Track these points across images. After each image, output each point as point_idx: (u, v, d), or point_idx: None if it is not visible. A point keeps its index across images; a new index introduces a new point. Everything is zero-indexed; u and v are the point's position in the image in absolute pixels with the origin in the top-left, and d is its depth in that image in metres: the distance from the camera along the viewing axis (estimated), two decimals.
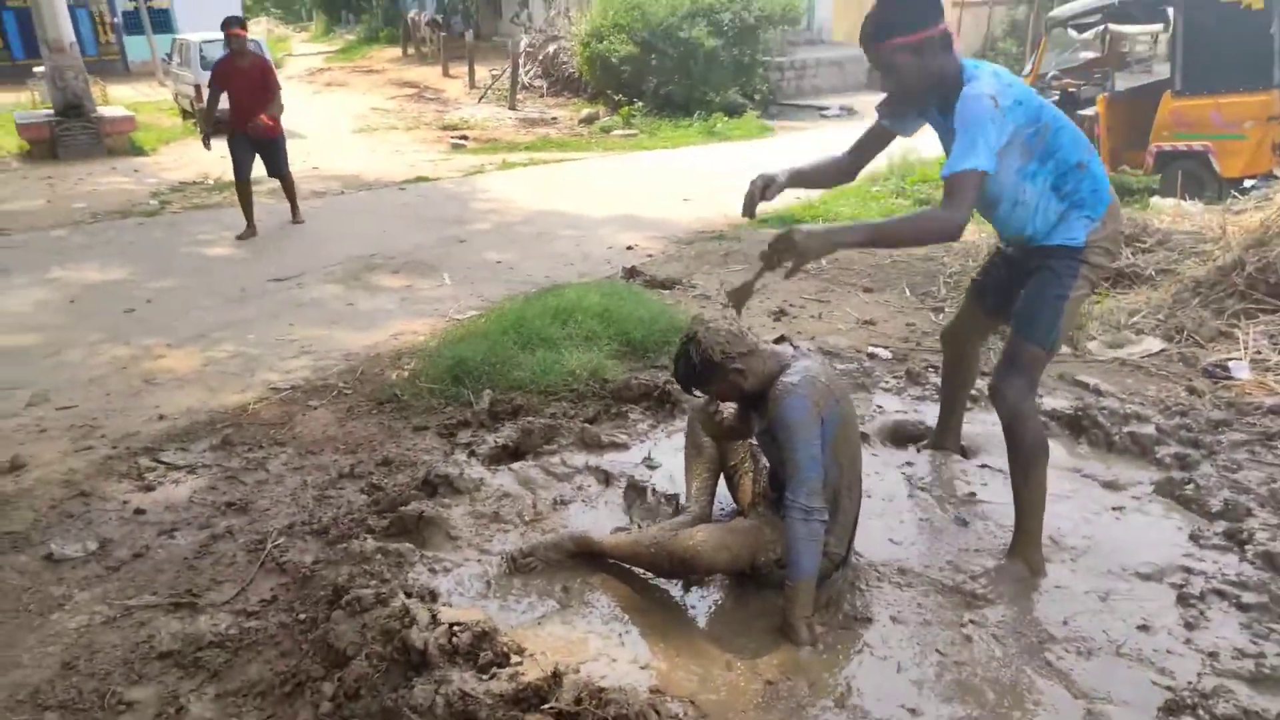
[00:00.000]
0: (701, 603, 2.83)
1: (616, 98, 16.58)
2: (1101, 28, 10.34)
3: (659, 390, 4.14)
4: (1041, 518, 2.97)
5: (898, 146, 11.35)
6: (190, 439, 4.06)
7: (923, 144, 11.73)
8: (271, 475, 3.71)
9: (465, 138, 14.22)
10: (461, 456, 3.57)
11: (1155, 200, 8.69)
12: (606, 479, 3.47)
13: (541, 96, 18.63)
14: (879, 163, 11.69)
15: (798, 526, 2.58)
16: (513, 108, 17.03)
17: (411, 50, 24.29)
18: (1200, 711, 2.33)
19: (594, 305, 5.29)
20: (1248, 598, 2.80)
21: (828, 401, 2.67)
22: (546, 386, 4.36)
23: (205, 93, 8.48)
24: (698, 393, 2.93)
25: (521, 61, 18.83)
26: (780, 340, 2.98)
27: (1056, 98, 10.88)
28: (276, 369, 4.89)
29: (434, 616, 2.44)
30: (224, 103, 7.95)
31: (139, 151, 12.70)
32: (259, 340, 5.36)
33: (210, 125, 8.23)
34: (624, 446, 3.74)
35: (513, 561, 2.89)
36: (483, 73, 19.46)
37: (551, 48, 19.39)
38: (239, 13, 25.76)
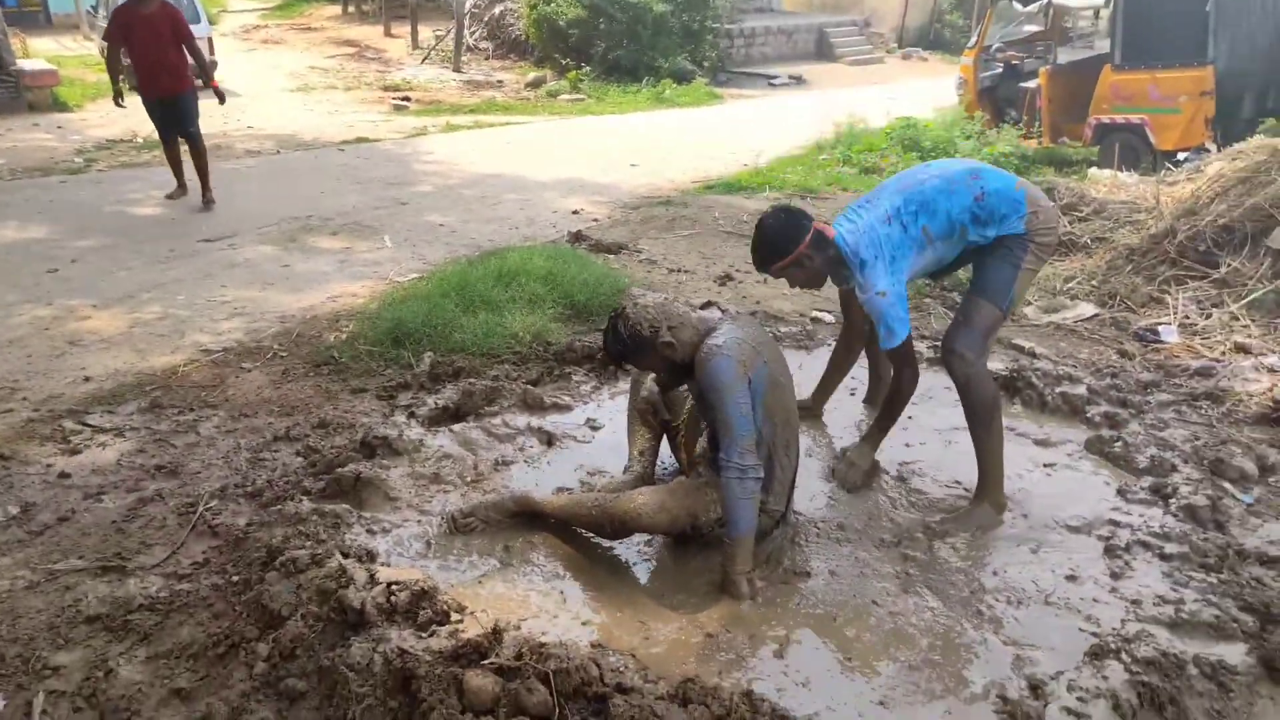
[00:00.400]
0: (643, 560, 2.84)
1: (564, 61, 16.31)
2: (1045, 1, 10.48)
3: (602, 351, 4.11)
4: (1001, 462, 3.11)
5: (845, 116, 11.32)
6: (117, 402, 3.92)
7: (870, 113, 11.74)
8: (203, 438, 3.60)
9: (407, 99, 13.87)
10: (401, 418, 3.51)
11: (1093, 171, 8.88)
12: (549, 440, 3.45)
13: (487, 59, 18.25)
14: (825, 132, 11.72)
15: (733, 485, 2.60)
16: (457, 69, 16.65)
17: (352, 8, 23.56)
18: (1123, 655, 2.42)
19: (538, 268, 5.23)
20: (1170, 548, 2.90)
21: (755, 361, 2.70)
22: (489, 349, 4.30)
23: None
24: (629, 366, 2.95)
25: (467, 22, 18.39)
26: (708, 305, 3.01)
27: (1000, 70, 11.04)
28: (208, 331, 4.74)
29: (372, 576, 2.40)
30: None
31: (63, 107, 12.12)
32: (189, 301, 5.18)
33: (116, 82, 7.19)
34: (567, 408, 3.71)
35: (453, 521, 2.85)
36: (426, 33, 18.94)
37: (498, 9, 18.97)
38: None
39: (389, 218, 7.23)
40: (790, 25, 20.43)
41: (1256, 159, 5.73)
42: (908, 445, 3.55)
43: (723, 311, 2.92)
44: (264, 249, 6.28)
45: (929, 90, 14.78)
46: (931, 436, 3.60)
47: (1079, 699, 2.29)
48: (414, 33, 18.91)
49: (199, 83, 7.36)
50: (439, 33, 18.64)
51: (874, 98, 14.08)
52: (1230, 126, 8.66)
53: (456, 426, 3.45)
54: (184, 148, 7.41)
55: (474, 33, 18.95)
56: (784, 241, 3.00)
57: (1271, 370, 4.23)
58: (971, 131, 10.26)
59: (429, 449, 3.26)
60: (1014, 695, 2.31)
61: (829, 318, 5.13)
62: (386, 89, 14.89)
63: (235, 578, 2.61)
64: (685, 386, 2.96)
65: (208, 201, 7.36)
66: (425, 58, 17.77)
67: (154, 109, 7.18)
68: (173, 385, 4.09)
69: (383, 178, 8.66)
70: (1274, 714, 2.35)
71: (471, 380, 3.82)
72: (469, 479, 3.17)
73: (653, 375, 3.04)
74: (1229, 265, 5.00)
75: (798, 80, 17.43)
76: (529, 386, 3.80)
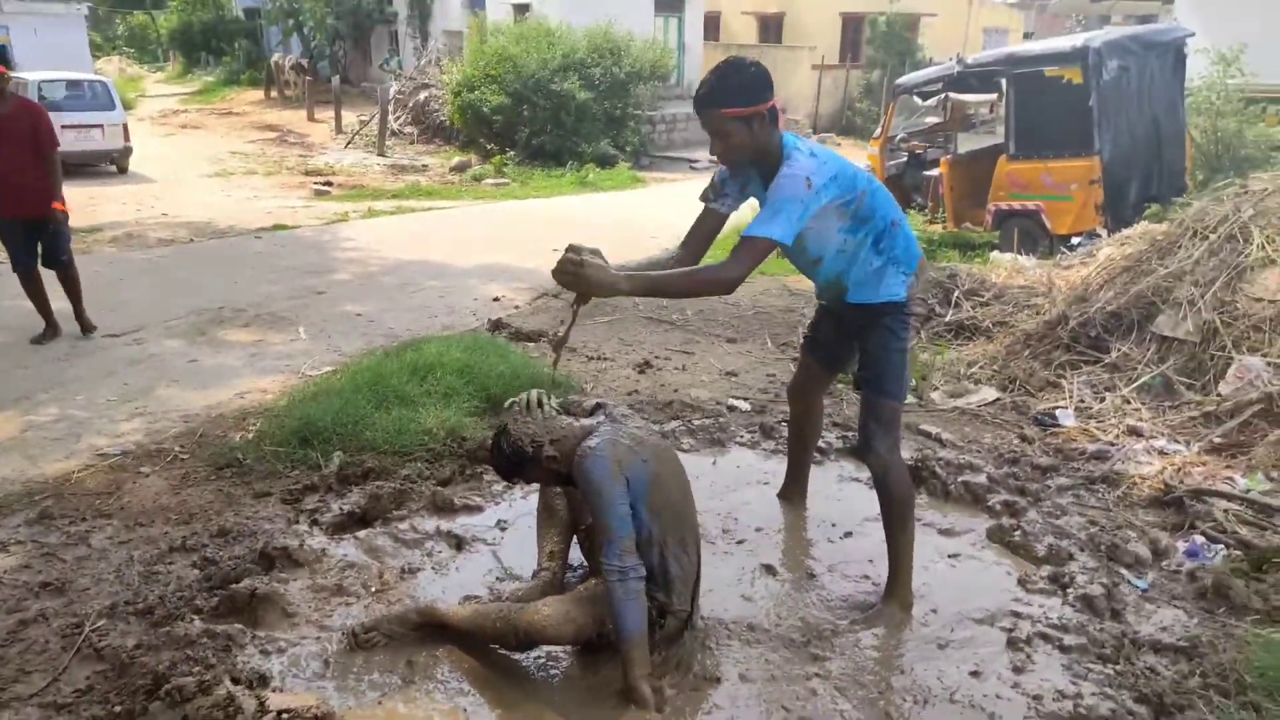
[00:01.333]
0: (550, 672, 2.78)
1: (489, 146, 16.58)
2: (942, 95, 11.13)
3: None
4: (911, 558, 3.16)
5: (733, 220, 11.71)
6: (3, 513, 3.71)
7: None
8: (94, 550, 3.43)
9: (329, 184, 13.86)
10: (303, 525, 3.41)
11: (994, 255, 9.32)
12: (459, 544, 3.39)
13: (412, 143, 18.43)
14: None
15: (615, 588, 2.57)
16: (381, 154, 16.76)
17: (275, 94, 23.64)
18: None
19: (455, 361, 5.20)
20: (1069, 640, 2.97)
21: (631, 460, 2.71)
22: (401, 447, 4.23)
23: None
24: (518, 480, 2.98)
25: (391, 108, 18.61)
26: (597, 409, 3.04)
27: (904, 159, 11.60)
28: (106, 433, 4.56)
29: (261, 704, 2.30)
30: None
31: None
32: (88, 401, 4.99)
33: None
34: (478, 509, 3.66)
35: (354, 637, 2.76)
36: (350, 118, 19.11)
37: (422, 95, 19.26)
38: (86, 52, 24.31)
39: (305, 308, 7.14)
40: None
41: (1139, 247, 6.10)
42: (814, 542, 3.59)
43: (608, 414, 2.94)
44: (171, 343, 6.11)
45: None
46: (838, 531, 3.65)
47: None
48: (338, 118, 19.04)
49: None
50: (363, 118, 18.80)
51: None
52: (1119, 211, 9.21)
53: (362, 533, 3.37)
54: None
55: (398, 118, 19.16)
56: (752, 90, 2.73)
57: (1161, 453, 4.43)
58: None
59: (332, 558, 3.17)
60: None
61: (744, 405, 5.21)
62: (308, 174, 14.87)
63: (118, 708, 2.46)
64: None
65: (88, 328, 6.25)
66: (349, 142, 17.86)
67: (12, 232, 5.94)
68: (65, 493, 3.91)
69: (300, 266, 8.58)
70: None
71: (379, 483, 3.74)
72: (374, 589, 3.08)
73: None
74: (1119, 350, 5.27)
75: (716, 163, 17.98)
76: (439, 488, 3.75)
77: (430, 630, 2.82)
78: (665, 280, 2.83)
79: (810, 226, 2.77)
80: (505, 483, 3.25)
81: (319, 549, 3.19)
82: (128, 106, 19.51)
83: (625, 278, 2.66)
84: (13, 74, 5.66)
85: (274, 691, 2.45)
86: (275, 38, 28.47)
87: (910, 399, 5.34)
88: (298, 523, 3.48)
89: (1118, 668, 2.85)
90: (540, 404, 2.92)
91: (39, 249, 6.02)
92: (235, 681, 2.42)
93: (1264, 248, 5.19)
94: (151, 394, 5.14)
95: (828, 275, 3.06)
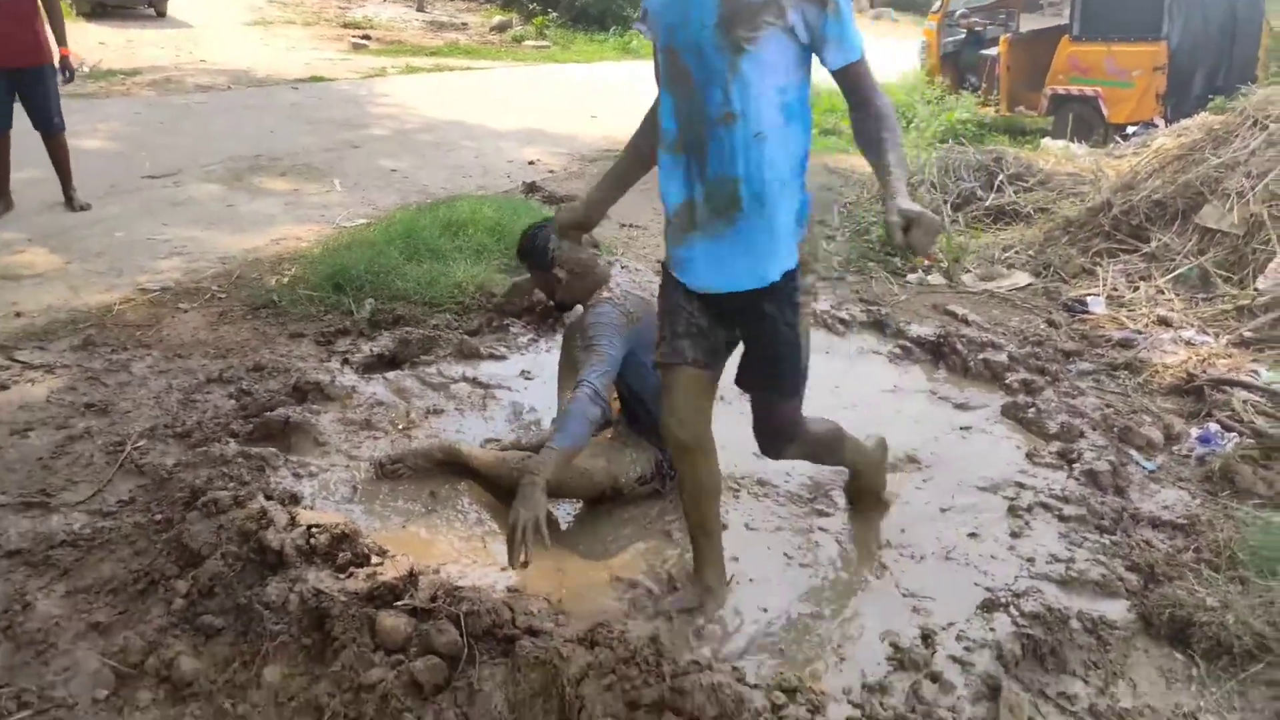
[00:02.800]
0: (565, 513, 2.92)
1: (531, 6, 16.03)
2: None
3: (542, 305, 4.15)
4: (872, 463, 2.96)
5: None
6: (49, 338, 3.88)
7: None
8: (135, 378, 3.59)
9: (367, 37, 13.57)
10: (335, 364, 3.53)
11: (1046, 141, 9.01)
12: (483, 389, 3.50)
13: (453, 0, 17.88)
14: None
15: (583, 401, 2.56)
16: (421, 9, 16.30)
17: None
18: (1011, 609, 2.56)
19: (487, 219, 5.22)
20: (1069, 510, 3.05)
21: (642, 312, 2.84)
22: (431, 298, 4.32)
23: None
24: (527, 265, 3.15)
25: None
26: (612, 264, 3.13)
27: (963, 36, 11.08)
28: (146, 269, 4.68)
29: (293, 518, 2.45)
30: None
31: None
32: (128, 239, 5.10)
33: None
34: (502, 358, 3.76)
35: (380, 467, 2.90)
36: None
37: None
38: None
39: (340, 161, 7.14)
40: None
41: (1194, 137, 5.87)
42: (828, 408, 3.65)
43: (624, 267, 3.10)
44: (209, 188, 6.18)
45: (895, 53, 14.74)
46: (849, 398, 3.72)
47: (965, 648, 2.43)
48: None
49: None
50: None
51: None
52: (1181, 102, 8.81)
53: (391, 374, 3.49)
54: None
55: None
56: None
57: (1189, 343, 4.39)
58: (931, 97, 10.32)
59: (361, 395, 3.30)
60: (905, 644, 2.44)
61: None
62: (346, 26, 14.55)
63: (158, 516, 2.64)
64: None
65: (79, 205, 5.55)
66: None
67: None
68: (107, 323, 4.06)
69: (336, 119, 8.52)
70: (1146, 665, 2.51)
71: (409, 329, 3.84)
72: (400, 426, 3.22)
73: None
74: (1159, 240, 5.15)
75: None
76: (466, 336, 3.84)
77: (452, 468, 2.96)
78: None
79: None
80: (519, 258, 3.29)
81: (349, 386, 3.32)
82: None
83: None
84: None
85: (305, 509, 2.61)
86: None
87: (939, 280, 5.31)
88: (329, 361, 3.61)
89: (1114, 538, 2.93)
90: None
91: (16, 108, 5.34)
92: (269, 498, 2.58)
93: None
94: (189, 235, 5.24)
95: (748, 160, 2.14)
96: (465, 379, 3.55)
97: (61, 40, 5.40)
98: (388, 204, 6.09)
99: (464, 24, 15.78)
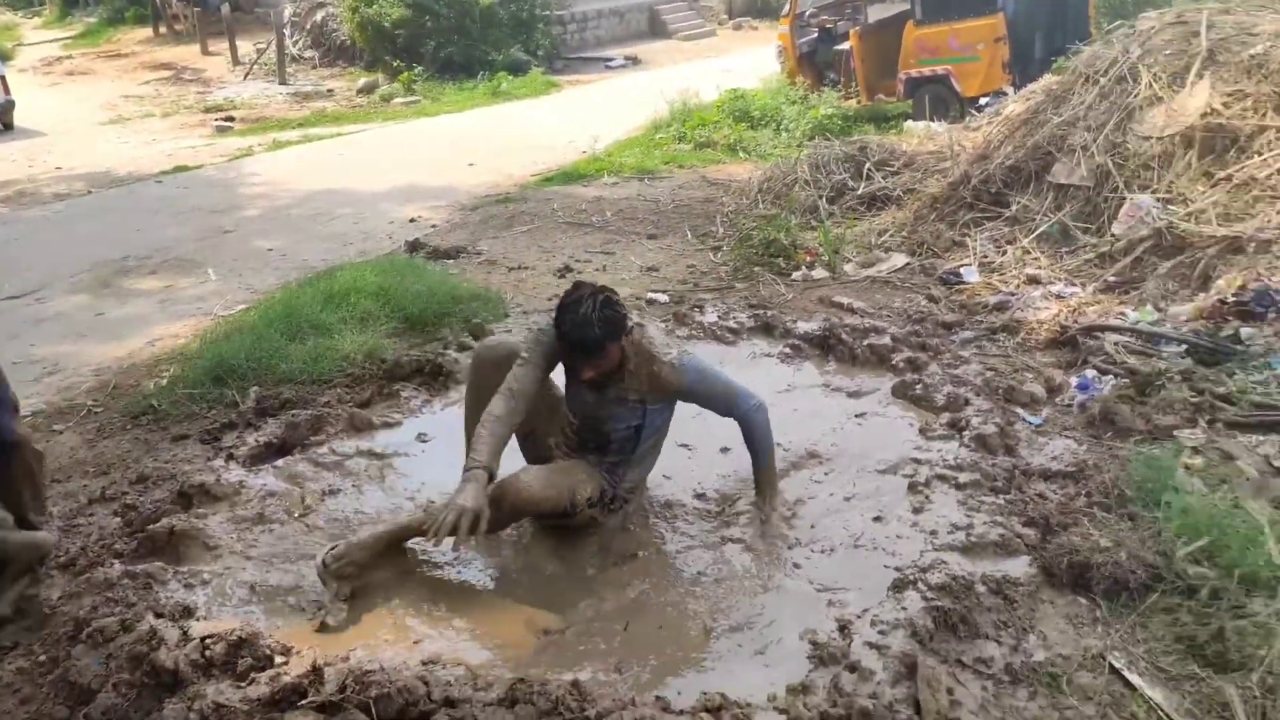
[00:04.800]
0: (479, 569, 2.88)
1: (395, 63, 15.90)
2: None
3: (430, 364, 4.10)
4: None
5: (678, 94, 11.36)
6: None
7: (704, 88, 11.80)
8: None
9: (231, 119, 13.28)
10: (220, 461, 3.42)
11: (908, 124, 9.35)
12: (379, 460, 3.44)
13: (314, 68, 17.63)
14: (660, 111, 11.78)
15: (763, 419, 3.00)
16: (283, 82, 16.04)
17: (164, 30, 22.27)
18: (919, 584, 2.62)
19: (369, 285, 5.14)
20: (963, 478, 3.15)
21: None
22: (319, 375, 4.22)
23: None
24: (579, 359, 2.80)
25: (288, 32, 17.72)
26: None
27: (815, 35, 11.42)
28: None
29: (184, 633, 2.36)
30: None
31: None
32: None
33: None
34: (397, 425, 3.70)
35: (324, 567, 2.72)
36: (246, 47, 18.12)
37: (319, 15, 18.32)
38: None
39: (214, 249, 6.95)
40: (622, 6, 20.52)
41: (1038, 100, 6.17)
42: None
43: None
44: (76, 299, 5.94)
45: (758, 59, 15.14)
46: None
47: (880, 632, 2.48)
48: (233, 48, 18.07)
49: None
50: (260, 46, 17.89)
51: (707, 71, 14.34)
52: (1026, 68, 9.25)
53: (281, 462, 3.40)
54: None
55: (297, 42, 18.28)
56: None
57: (1058, 297, 4.60)
58: (795, 97, 10.61)
59: (251, 489, 3.20)
60: (823, 638, 2.47)
61: (662, 298, 5.25)
62: (208, 111, 14.21)
63: (42, 657, 2.50)
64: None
65: None
66: (248, 74, 17.03)
67: None
68: None
69: (206, 206, 8.30)
70: (1053, 616, 2.60)
71: (296, 411, 3.75)
72: (296, 513, 3.13)
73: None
74: (1018, 203, 5.39)
75: (634, 61, 17.55)
76: (356, 410, 3.77)
77: (397, 550, 2.83)
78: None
79: None
80: (573, 354, 2.84)
81: (236, 482, 3.22)
82: (6, 57, 18.34)
83: None
84: None
85: (199, 620, 2.51)
86: None
87: (823, 273, 5.44)
88: (215, 460, 3.49)
89: (1008, 497, 3.04)
90: None
91: None
92: (158, 615, 2.47)
93: (1151, 85, 5.28)
94: (60, 351, 5.02)
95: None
96: (360, 453, 3.47)
97: None
98: (267, 285, 5.95)
99: (329, 91, 15.59)
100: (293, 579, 2.82)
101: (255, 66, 17.21)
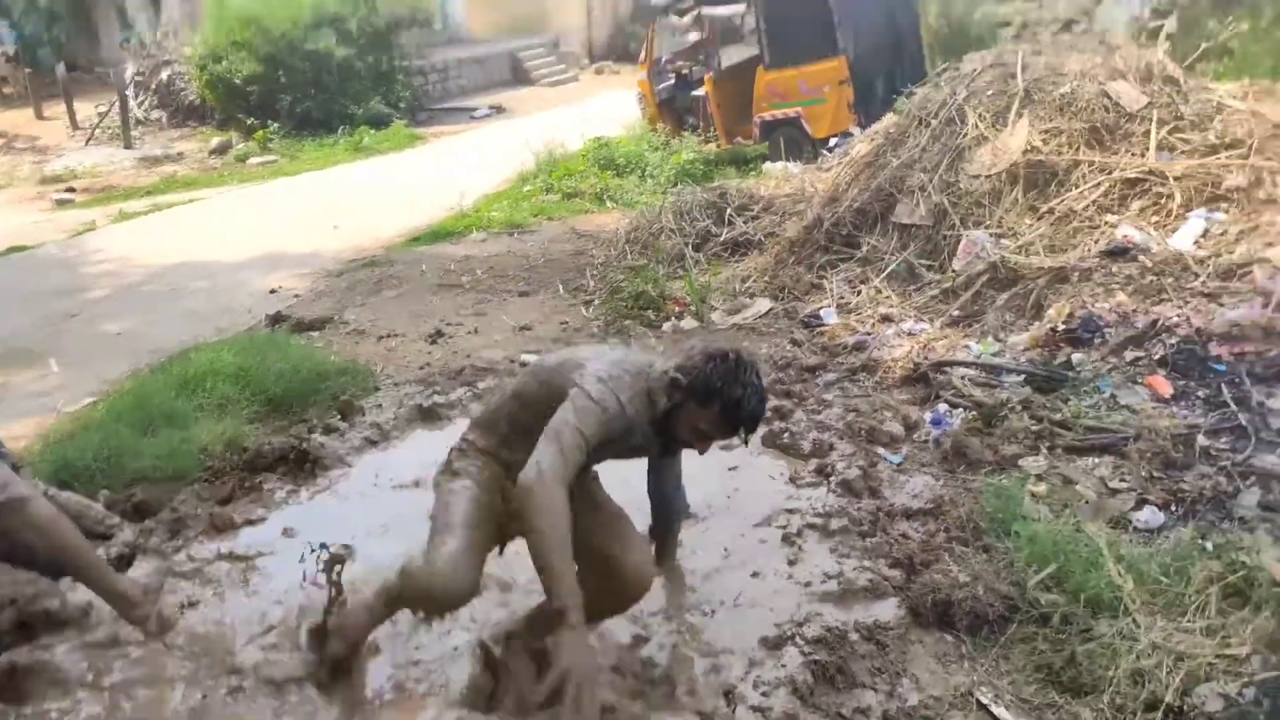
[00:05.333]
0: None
1: (249, 121, 15.42)
2: (695, 13, 11.27)
3: (295, 450, 3.97)
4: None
5: (543, 143, 11.39)
6: None
7: (568, 136, 11.89)
8: None
9: (72, 190, 12.55)
10: (65, 582, 3.19)
11: (766, 166, 9.71)
12: (244, 563, 3.29)
13: (163, 129, 16.89)
14: (527, 162, 11.84)
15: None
16: (128, 146, 15.28)
17: None
18: (797, 639, 2.71)
19: (228, 366, 4.92)
20: (833, 524, 3.27)
21: None
22: (175, 470, 4.00)
23: None
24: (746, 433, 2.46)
25: (131, 93, 16.92)
26: None
27: (673, 81, 11.76)
28: None
29: None
30: None
31: None
32: None
33: None
34: (260, 520, 3.55)
35: (324, 657, 2.61)
36: (86, 110, 17.19)
37: (164, 74, 17.58)
38: None
39: (56, 336, 6.52)
40: (482, 54, 20.60)
41: (878, 143, 6.54)
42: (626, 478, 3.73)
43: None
44: None
45: (620, 104, 15.45)
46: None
47: (763, 694, 2.54)
48: (70, 112, 17.10)
49: None
50: (101, 108, 17.01)
51: (572, 118, 14.51)
52: (870, 107, 9.77)
53: (133, 574, 3.19)
54: None
55: (142, 103, 17.47)
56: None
57: (910, 334, 4.86)
58: (658, 143, 10.87)
59: (101, 610, 2.99)
60: (709, 707, 2.51)
61: (536, 359, 5.23)
62: (45, 182, 13.38)
63: None
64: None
65: None
66: (89, 139, 16.14)
67: None
68: None
69: (46, 289, 7.78)
70: (923, 655, 2.72)
71: (149, 518, 3.54)
72: (154, 630, 2.94)
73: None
74: (868, 244, 5.68)
75: (498, 110, 17.61)
76: (216, 509, 3.60)
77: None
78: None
79: None
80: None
81: (83, 604, 3.00)
82: None
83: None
84: None
85: None
86: None
87: (692, 323, 5.58)
88: (59, 580, 3.25)
89: (874, 540, 3.18)
90: None
91: None
92: None
93: (977, 126, 5.68)
94: None
95: None
96: (221, 556, 3.31)
97: None
98: (117, 373, 5.61)
99: (179, 154, 14.94)
100: (155, 709, 2.65)
101: (97, 131, 16.34)
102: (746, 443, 2.59)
